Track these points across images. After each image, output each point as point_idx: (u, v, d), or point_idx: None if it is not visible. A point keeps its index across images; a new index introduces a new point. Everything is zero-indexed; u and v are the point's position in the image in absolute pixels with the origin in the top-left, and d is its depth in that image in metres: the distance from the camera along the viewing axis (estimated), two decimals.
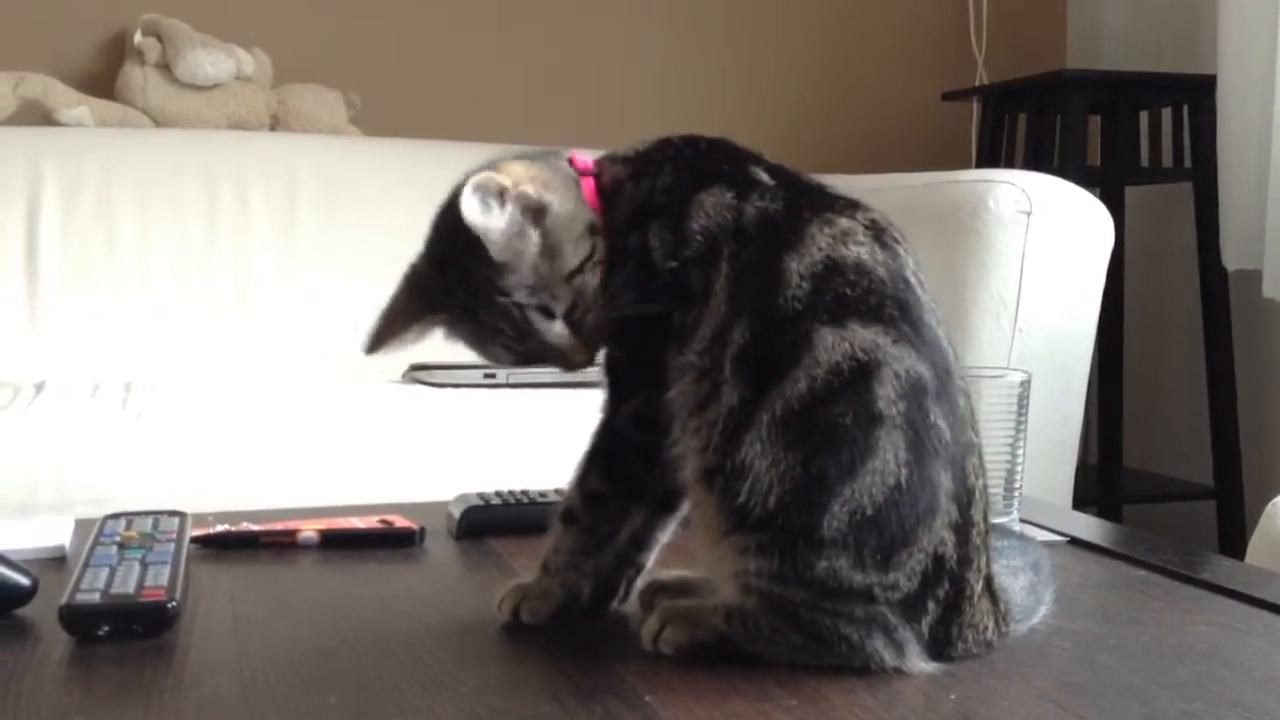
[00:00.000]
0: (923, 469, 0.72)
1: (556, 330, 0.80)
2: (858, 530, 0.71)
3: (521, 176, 0.80)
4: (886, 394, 0.72)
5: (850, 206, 0.78)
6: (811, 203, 0.77)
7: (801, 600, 0.72)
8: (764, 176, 0.79)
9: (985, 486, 0.77)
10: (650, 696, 0.70)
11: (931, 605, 0.73)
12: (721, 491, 0.74)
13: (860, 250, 0.75)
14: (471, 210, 0.77)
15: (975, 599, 0.75)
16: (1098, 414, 2.70)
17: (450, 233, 0.80)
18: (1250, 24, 2.31)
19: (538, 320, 0.80)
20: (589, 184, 0.82)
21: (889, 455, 0.71)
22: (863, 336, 0.72)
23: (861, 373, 0.72)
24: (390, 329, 0.85)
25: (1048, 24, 3.07)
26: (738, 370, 0.74)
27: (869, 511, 0.71)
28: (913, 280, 0.76)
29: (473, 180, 0.78)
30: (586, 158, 0.83)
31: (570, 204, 0.80)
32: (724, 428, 0.73)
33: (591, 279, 0.79)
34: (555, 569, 0.83)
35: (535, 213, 0.79)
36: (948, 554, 0.73)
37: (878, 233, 0.76)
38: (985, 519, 0.76)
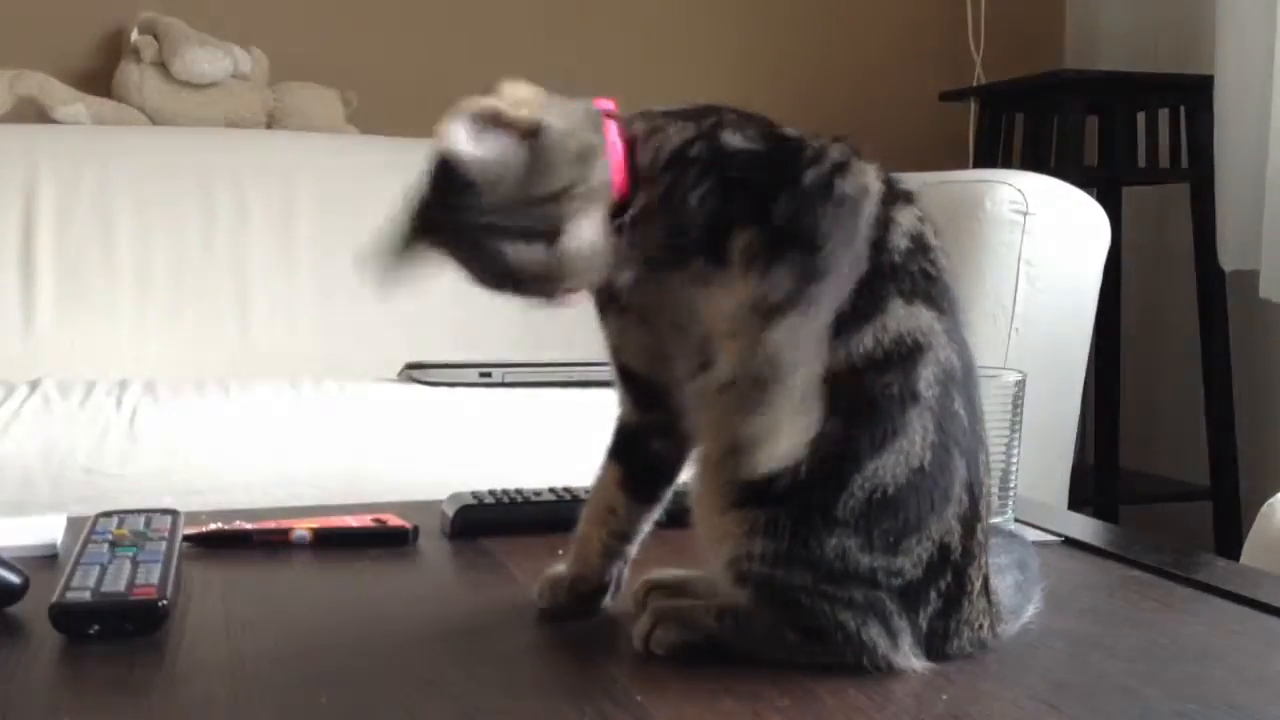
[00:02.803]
0: (942, 455, 0.72)
1: (531, 255, 0.74)
2: (875, 510, 0.71)
3: (521, 97, 0.76)
4: (928, 378, 0.72)
5: (909, 196, 0.77)
6: (886, 185, 0.77)
7: (804, 585, 0.72)
8: (834, 151, 0.77)
9: (988, 486, 0.77)
10: (641, 696, 0.70)
11: (933, 595, 0.73)
12: (746, 455, 0.72)
13: (935, 239, 0.76)
14: (456, 142, 0.73)
15: (974, 596, 0.75)
16: (1094, 414, 2.70)
17: (436, 158, 0.76)
18: (1247, 25, 2.31)
19: (509, 245, 0.74)
20: (610, 127, 0.78)
21: (917, 436, 0.72)
22: (924, 318, 0.73)
23: (916, 350, 0.72)
24: (387, 260, 0.79)
25: (1045, 24, 3.07)
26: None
27: (890, 491, 0.71)
28: (952, 276, 0.77)
29: (463, 109, 0.74)
30: (613, 104, 0.80)
31: (569, 124, 0.76)
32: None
33: (571, 208, 0.74)
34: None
35: (528, 134, 0.74)
36: (953, 544, 0.73)
37: (936, 230, 0.77)
38: (987, 517, 0.76)
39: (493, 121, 0.74)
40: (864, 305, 0.72)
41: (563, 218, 0.74)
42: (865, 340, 0.72)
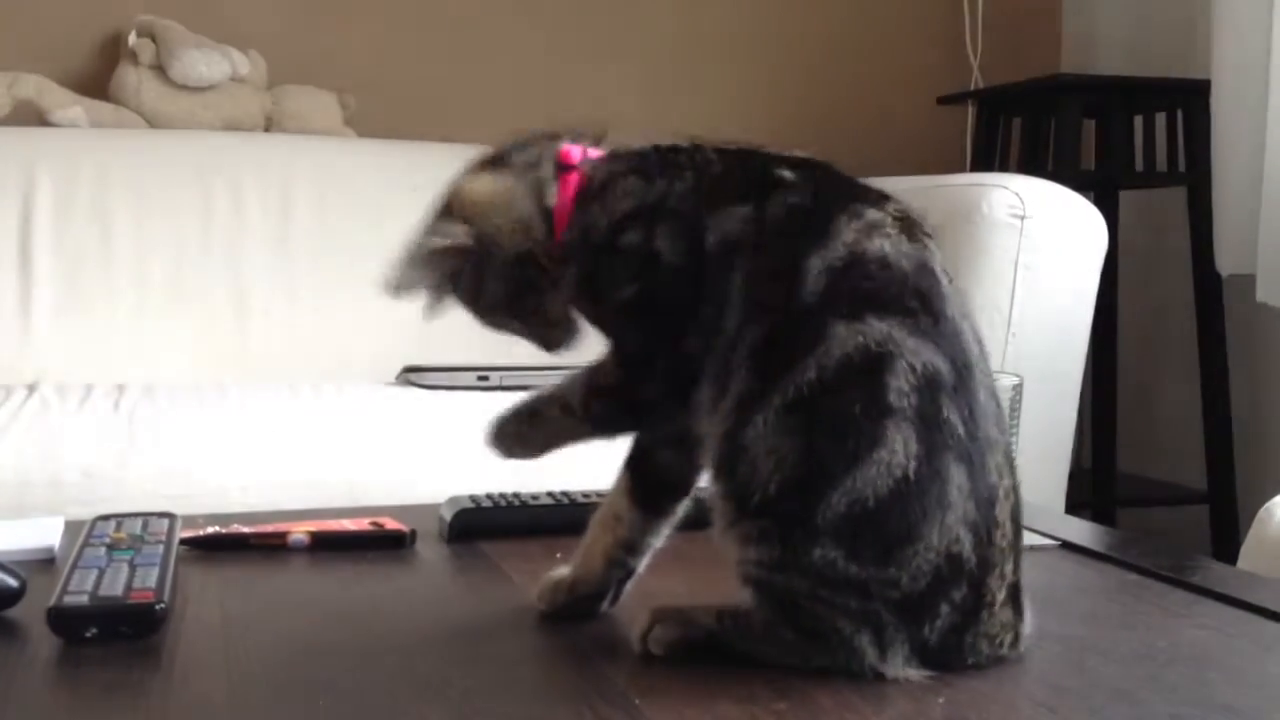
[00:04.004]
0: (932, 464, 0.71)
1: (521, 328, 0.86)
2: (855, 522, 0.70)
3: (469, 204, 0.84)
4: (899, 386, 0.71)
5: (882, 199, 0.77)
6: (841, 195, 0.77)
7: (802, 590, 0.72)
8: (788, 175, 0.78)
9: (1015, 487, 0.75)
10: (639, 699, 0.70)
11: (945, 608, 0.71)
12: (729, 477, 0.74)
13: (885, 243, 0.74)
14: (395, 288, 0.83)
15: (996, 607, 0.73)
16: (1091, 418, 2.70)
17: None
18: (1244, 29, 2.31)
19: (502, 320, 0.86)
20: (569, 185, 0.82)
21: (897, 447, 0.70)
22: (877, 329, 0.72)
23: (874, 363, 0.71)
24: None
25: (1042, 28, 3.07)
26: (752, 362, 0.73)
27: (870, 504, 0.70)
28: (939, 273, 0.75)
29: (407, 250, 0.83)
30: (579, 151, 0.83)
31: (507, 231, 0.83)
32: (737, 415, 0.73)
33: (529, 302, 0.84)
34: None
35: (469, 251, 0.83)
36: (964, 553, 0.71)
37: (907, 225, 0.76)
38: (1014, 522, 0.74)
39: (430, 258, 0.83)
40: (796, 345, 0.72)
41: (524, 311, 0.85)
42: (809, 373, 0.71)
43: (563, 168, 0.83)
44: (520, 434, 0.86)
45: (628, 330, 0.81)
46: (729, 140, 0.82)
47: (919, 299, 0.73)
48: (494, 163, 0.85)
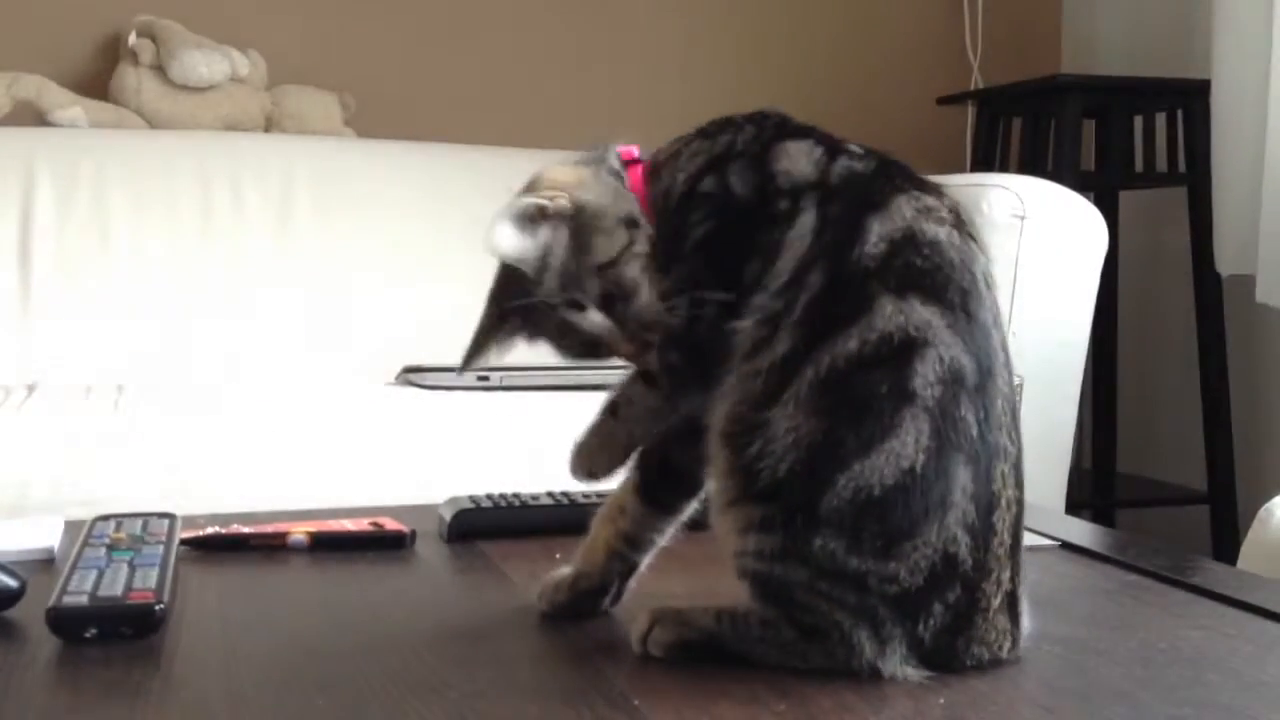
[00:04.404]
0: (941, 460, 0.70)
1: (590, 320, 0.80)
2: (860, 511, 0.70)
3: (558, 183, 0.82)
4: (925, 375, 0.71)
5: (939, 192, 0.77)
6: (902, 175, 0.77)
7: (800, 581, 0.72)
8: (854, 146, 0.79)
9: (1020, 499, 0.74)
10: (638, 700, 0.70)
11: (938, 608, 0.71)
12: (741, 449, 0.73)
13: (940, 230, 0.74)
14: (503, 241, 0.79)
15: (991, 613, 0.73)
16: (1091, 418, 2.71)
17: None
18: (1244, 29, 2.31)
19: (570, 315, 0.80)
20: (635, 172, 0.83)
21: (909, 438, 0.70)
22: (920, 314, 0.72)
23: (909, 347, 0.71)
24: (477, 346, 0.85)
25: (1042, 29, 3.08)
26: (804, 317, 0.73)
27: (876, 493, 0.70)
28: (979, 276, 0.75)
29: (509, 209, 0.80)
30: (635, 149, 0.84)
31: (606, 198, 0.81)
32: (767, 379, 0.73)
33: (629, 270, 0.79)
34: None
35: (569, 218, 0.80)
36: (960, 555, 0.71)
37: (959, 221, 0.76)
38: (1014, 532, 0.74)
39: (533, 217, 0.80)
40: (845, 308, 0.72)
41: (620, 281, 0.79)
42: (850, 343, 0.71)
43: (627, 162, 0.84)
44: (599, 444, 0.83)
45: (700, 270, 0.78)
46: None
47: (960, 295, 0.73)
48: (562, 164, 0.85)
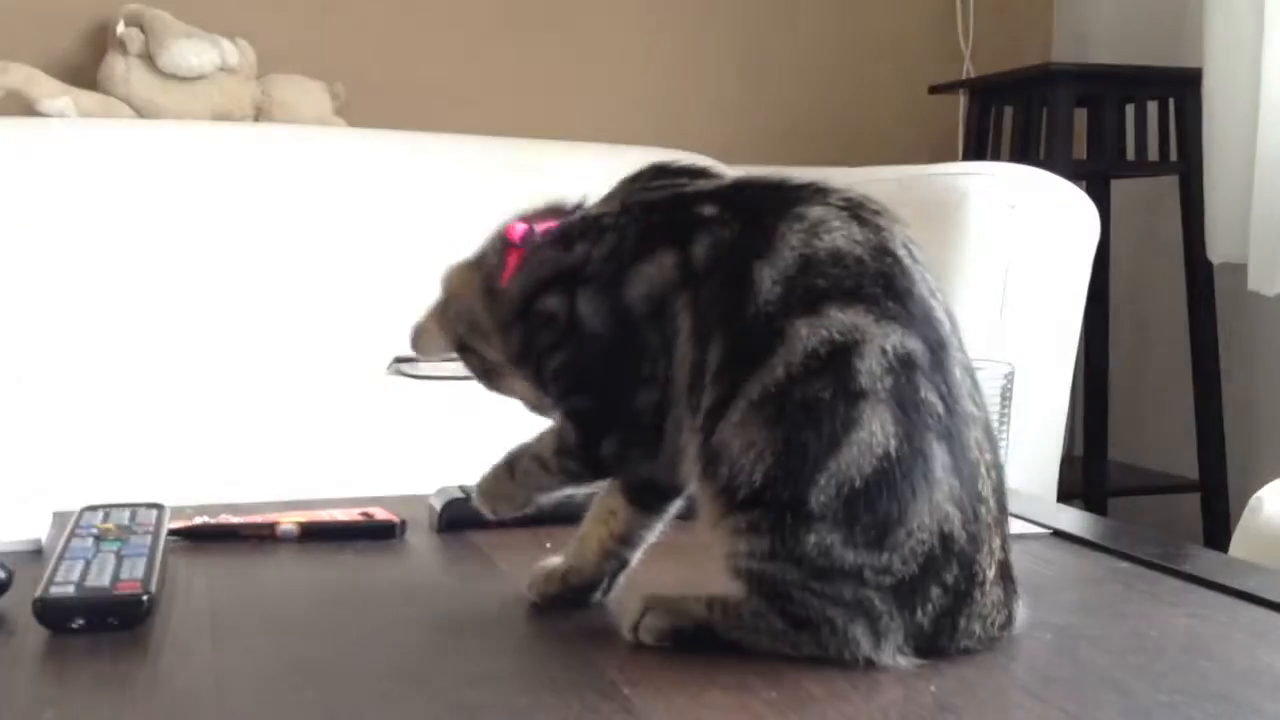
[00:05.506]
0: (914, 443, 0.71)
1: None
2: (848, 503, 0.70)
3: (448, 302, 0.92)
4: (870, 369, 0.71)
5: (819, 193, 0.77)
6: (774, 206, 0.76)
7: (793, 580, 0.72)
8: (709, 211, 0.78)
9: (997, 462, 0.75)
10: (629, 689, 0.70)
11: (936, 591, 0.71)
12: (711, 477, 0.74)
13: (836, 236, 0.74)
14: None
15: (988, 585, 0.73)
16: (1083, 406, 2.71)
17: None
18: (1236, 17, 2.31)
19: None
20: (510, 261, 0.84)
21: (874, 426, 0.70)
22: (839, 320, 0.72)
23: (841, 352, 0.71)
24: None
25: (1034, 17, 3.07)
26: (720, 371, 0.74)
27: (857, 483, 0.70)
28: (900, 252, 0.75)
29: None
30: (522, 229, 0.84)
31: (461, 324, 0.91)
32: (704, 424, 0.74)
33: (507, 381, 0.90)
34: None
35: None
36: (954, 532, 0.71)
37: (854, 211, 0.76)
38: (998, 496, 0.74)
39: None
40: (760, 349, 0.72)
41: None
42: (776, 372, 0.72)
43: (507, 246, 0.84)
44: (503, 492, 0.87)
45: (569, 395, 0.82)
46: (653, 181, 0.84)
47: (881, 282, 0.73)
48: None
